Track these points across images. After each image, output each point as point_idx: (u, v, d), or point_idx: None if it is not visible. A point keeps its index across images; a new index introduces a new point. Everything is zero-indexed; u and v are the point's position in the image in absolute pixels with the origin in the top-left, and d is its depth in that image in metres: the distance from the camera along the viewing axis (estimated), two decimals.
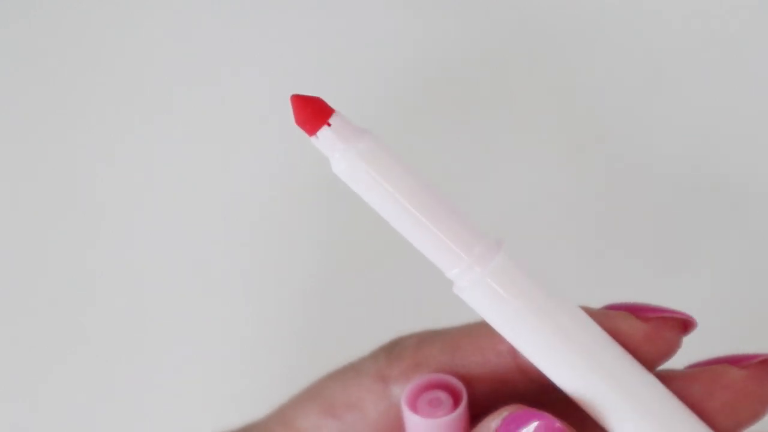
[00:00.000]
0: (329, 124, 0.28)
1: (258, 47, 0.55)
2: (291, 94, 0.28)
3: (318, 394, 0.33)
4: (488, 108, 0.54)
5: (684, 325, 0.31)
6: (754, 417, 0.31)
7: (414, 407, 0.32)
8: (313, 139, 0.28)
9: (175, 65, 0.54)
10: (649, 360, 0.30)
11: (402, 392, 0.32)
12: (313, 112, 0.28)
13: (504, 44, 0.55)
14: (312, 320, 0.52)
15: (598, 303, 0.33)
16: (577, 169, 0.54)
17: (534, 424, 0.29)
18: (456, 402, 0.32)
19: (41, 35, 0.54)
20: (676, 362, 0.32)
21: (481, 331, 0.32)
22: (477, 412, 0.32)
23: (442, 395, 0.33)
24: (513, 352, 0.31)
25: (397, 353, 0.33)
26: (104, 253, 0.52)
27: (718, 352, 0.33)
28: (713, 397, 0.30)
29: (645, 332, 0.30)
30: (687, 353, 0.32)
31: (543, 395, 0.31)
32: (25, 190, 0.53)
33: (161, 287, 0.52)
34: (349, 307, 0.52)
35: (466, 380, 0.32)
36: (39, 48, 0.54)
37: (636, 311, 0.31)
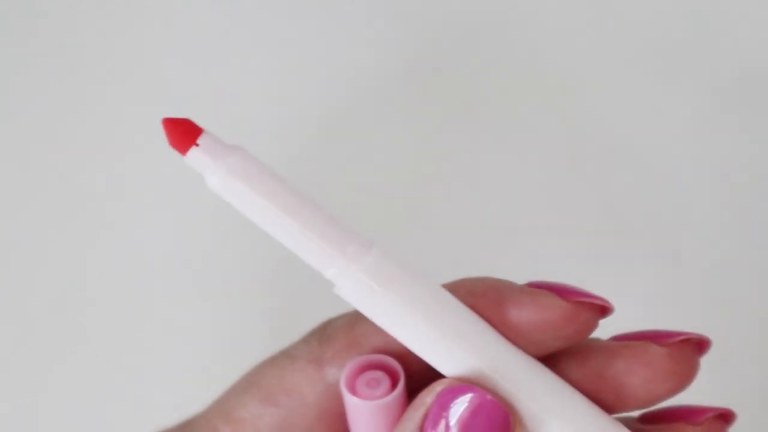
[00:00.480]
0: (197, 144, 0.30)
1: (257, 45, 0.55)
2: (162, 117, 0.30)
3: (254, 383, 0.34)
4: (482, 105, 0.53)
5: (602, 309, 0.31)
6: (671, 393, 0.31)
7: (353, 389, 0.33)
8: (185, 158, 0.30)
9: (175, 65, 0.55)
10: (564, 338, 0.31)
11: (339, 373, 0.33)
12: (182, 133, 0.30)
13: (497, 43, 0.53)
14: (312, 321, 0.52)
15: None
16: (573, 166, 0.53)
17: (467, 397, 0.30)
18: (394, 381, 0.33)
19: (41, 35, 0.55)
20: None
21: None
22: (414, 387, 0.33)
23: (380, 375, 0.33)
24: None
25: (328, 335, 0.33)
26: (104, 254, 0.53)
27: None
28: (633, 373, 0.31)
29: (565, 311, 0.31)
30: None
31: None
32: (24, 190, 0.54)
33: (161, 288, 0.53)
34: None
35: (401, 357, 0.33)
36: (39, 48, 0.55)
37: (558, 291, 0.31)
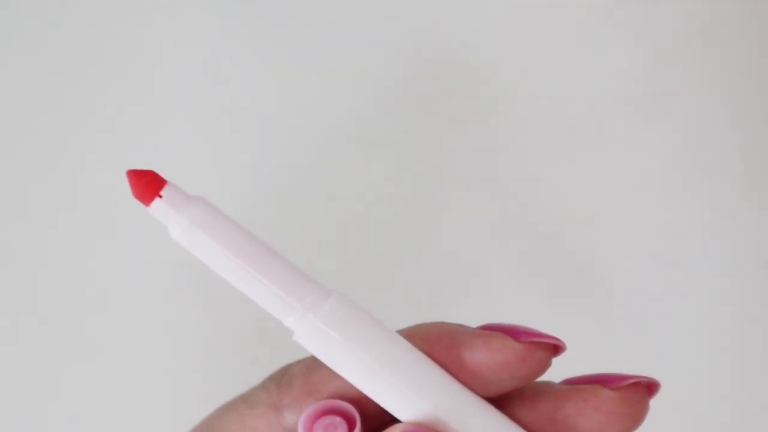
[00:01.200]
0: (161, 196, 0.30)
1: (257, 47, 0.55)
2: (126, 169, 0.30)
3: (215, 428, 0.34)
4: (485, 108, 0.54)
5: (555, 348, 0.32)
6: None
7: None
8: (148, 209, 0.30)
9: (177, 65, 0.55)
10: (519, 378, 0.32)
11: (297, 419, 0.34)
12: (146, 185, 0.30)
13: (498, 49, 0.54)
14: None
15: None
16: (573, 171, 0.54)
17: None
18: (350, 426, 0.34)
19: (42, 35, 0.55)
20: None
21: None
22: (370, 430, 0.34)
23: (337, 420, 0.34)
24: None
25: (286, 381, 0.34)
26: (104, 254, 0.53)
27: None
28: (585, 416, 0.32)
29: (519, 353, 0.32)
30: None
31: None
32: (24, 190, 0.54)
33: (161, 288, 0.53)
34: None
35: (358, 402, 0.33)
36: (40, 48, 0.55)
37: (510, 333, 0.32)
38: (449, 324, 0.32)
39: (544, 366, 0.32)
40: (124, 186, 0.52)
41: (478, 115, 0.54)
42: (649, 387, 0.33)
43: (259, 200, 0.54)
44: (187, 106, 0.55)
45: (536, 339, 0.32)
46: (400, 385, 0.31)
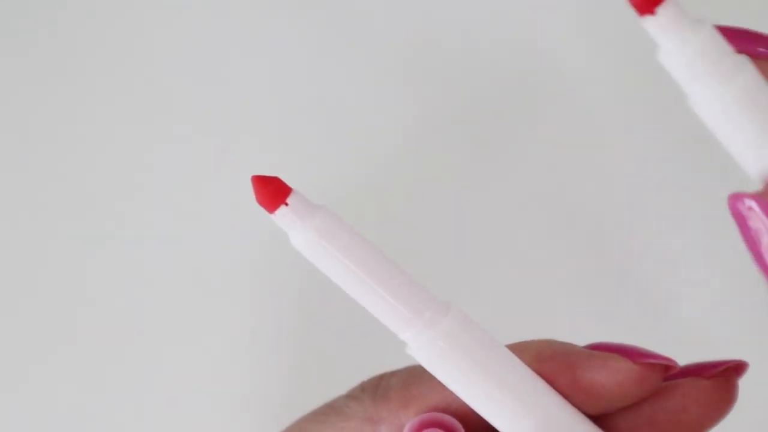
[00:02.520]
0: (287, 204, 0.30)
1: (260, 46, 0.55)
2: (251, 175, 0.31)
3: None
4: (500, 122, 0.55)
5: (666, 368, 0.33)
6: (718, 421, 0.33)
7: None
8: (273, 216, 0.31)
9: (177, 65, 0.55)
10: (630, 398, 0.33)
11: (393, 431, 0.34)
12: (272, 192, 0.30)
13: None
14: (311, 321, 0.53)
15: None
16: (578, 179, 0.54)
17: None
18: None
19: (42, 35, 0.55)
20: None
21: None
22: None
23: None
24: None
25: (382, 393, 0.34)
26: (104, 255, 0.53)
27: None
28: (686, 412, 0.33)
29: (636, 374, 0.32)
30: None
31: None
32: (23, 191, 0.54)
33: (161, 289, 0.53)
34: (347, 308, 0.53)
35: (458, 417, 0.34)
36: (40, 48, 0.55)
37: (627, 354, 0.33)
38: (560, 342, 0.33)
39: (655, 387, 0.33)
40: (125, 186, 0.52)
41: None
42: (738, 369, 0.33)
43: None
44: (188, 107, 0.55)
45: (652, 360, 0.32)
46: (512, 403, 0.31)
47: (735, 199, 0.29)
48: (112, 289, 0.53)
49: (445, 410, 0.33)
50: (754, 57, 0.29)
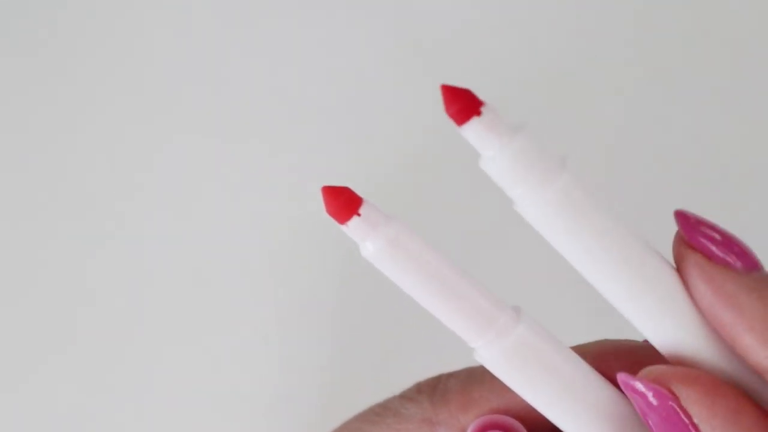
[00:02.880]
0: (359, 214, 0.30)
1: (265, 48, 0.55)
2: (322, 186, 0.30)
3: None
4: None
5: None
6: None
7: None
8: (344, 227, 0.30)
9: (179, 65, 0.55)
10: None
11: None
12: (344, 203, 0.30)
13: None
14: (310, 321, 0.53)
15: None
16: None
17: None
18: None
19: (43, 35, 0.55)
20: None
21: None
22: None
23: None
24: None
25: (440, 395, 0.34)
26: (104, 255, 0.53)
27: None
28: None
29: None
30: None
31: None
32: (23, 191, 0.54)
33: (160, 290, 0.53)
34: (346, 308, 0.53)
35: (520, 419, 0.34)
36: (40, 48, 0.54)
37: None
38: (619, 341, 0.33)
39: None
40: (124, 187, 0.52)
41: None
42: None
43: (259, 202, 0.54)
44: (188, 107, 0.55)
45: None
46: (584, 411, 0.31)
47: (625, 380, 0.30)
48: (112, 289, 0.53)
49: (505, 413, 0.34)
50: (709, 257, 0.29)
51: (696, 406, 0.28)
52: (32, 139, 0.54)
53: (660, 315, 0.30)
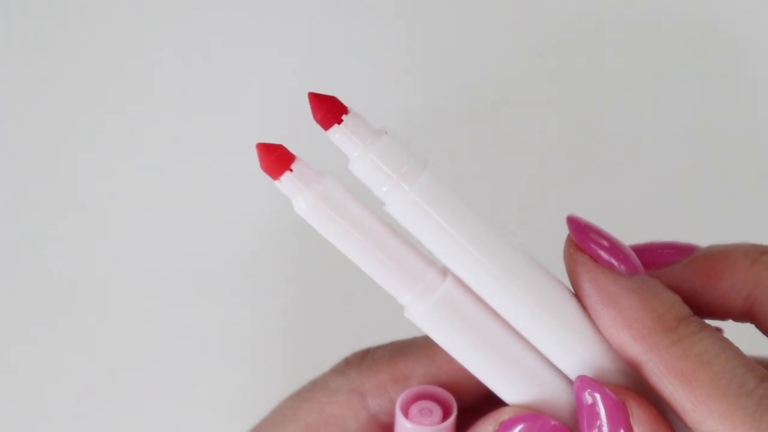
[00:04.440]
0: (291, 170, 0.31)
1: (260, 41, 0.55)
2: (256, 142, 0.31)
3: (294, 417, 0.35)
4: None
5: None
6: None
7: (406, 416, 0.34)
8: (276, 182, 0.31)
9: (178, 64, 0.55)
10: None
11: (381, 404, 0.35)
12: (276, 159, 0.31)
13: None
14: (309, 321, 0.53)
15: None
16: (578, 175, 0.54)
17: (532, 424, 0.31)
18: (445, 412, 0.35)
19: (44, 35, 0.55)
20: None
21: None
22: (461, 420, 0.34)
23: (432, 405, 0.35)
24: None
25: (368, 366, 0.35)
26: (104, 256, 0.53)
27: None
28: None
29: None
30: None
31: None
32: (23, 191, 0.54)
33: (160, 290, 0.53)
34: (346, 306, 0.53)
35: (448, 388, 0.34)
36: (41, 48, 0.55)
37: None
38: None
39: None
40: (123, 187, 0.53)
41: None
42: None
43: (258, 202, 0.54)
44: (189, 108, 0.55)
45: None
46: (511, 369, 0.31)
47: (581, 383, 0.31)
48: (112, 290, 0.53)
49: (433, 380, 0.34)
50: (595, 260, 0.31)
51: (642, 426, 0.30)
52: (31, 140, 0.54)
53: (516, 302, 0.31)
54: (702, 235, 0.53)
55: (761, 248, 0.33)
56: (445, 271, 0.32)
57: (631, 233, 0.52)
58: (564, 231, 0.33)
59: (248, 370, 0.53)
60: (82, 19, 0.55)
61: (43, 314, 0.53)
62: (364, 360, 0.35)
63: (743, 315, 0.33)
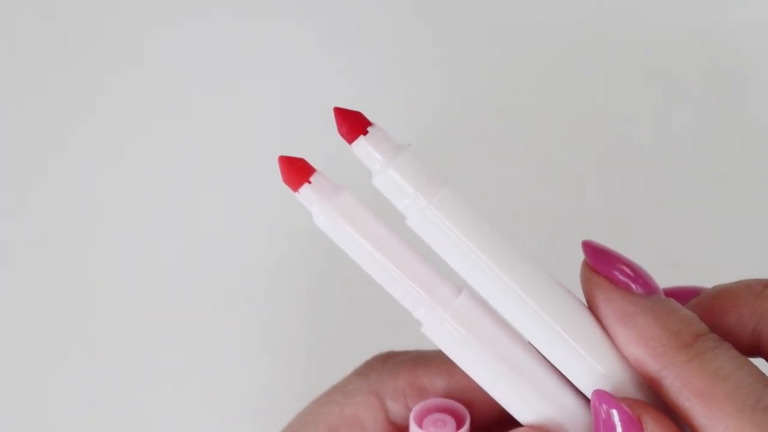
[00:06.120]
0: (310, 182, 0.32)
1: (266, 47, 0.55)
2: (278, 155, 0.32)
3: (317, 422, 0.35)
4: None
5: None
6: None
7: (420, 426, 0.35)
8: (296, 194, 0.32)
9: (185, 68, 0.55)
10: None
11: (399, 408, 0.35)
12: (296, 171, 0.32)
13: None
14: (309, 321, 0.53)
15: None
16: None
17: None
18: (459, 425, 0.35)
19: (44, 35, 0.55)
20: None
21: None
22: None
23: (447, 418, 0.35)
24: None
25: (389, 370, 0.35)
26: (104, 256, 0.53)
27: None
28: None
29: None
30: None
31: None
32: (26, 191, 0.54)
33: (159, 290, 0.53)
34: (346, 307, 0.52)
35: (464, 403, 0.35)
36: (41, 48, 0.55)
37: None
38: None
39: None
40: (124, 187, 0.53)
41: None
42: None
43: (259, 203, 0.54)
44: (188, 108, 0.55)
45: None
46: (525, 387, 0.32)
47: (598, 397, 0.31)
48: (111, 289, 0.53)
49: (451, 396, 0.34)
50: (611, 281, 0.32)
51: None
52: (28, 140, 0.54)
53: (533, 317, 0.31)
54: (704, 238, 0.53)
55: (764, 282, 0.33)
56: (460, 287, 0.32)
57: (646, 238, 0.53)
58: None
59: (265, 375, 0.52)
60: (80, 19, 0.55)
61: (42, 314, 0.53)
62: (385, 363, 0.36)
63: (752, 350, 0.33)
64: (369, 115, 0.32)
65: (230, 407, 0.52)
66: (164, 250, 0.53)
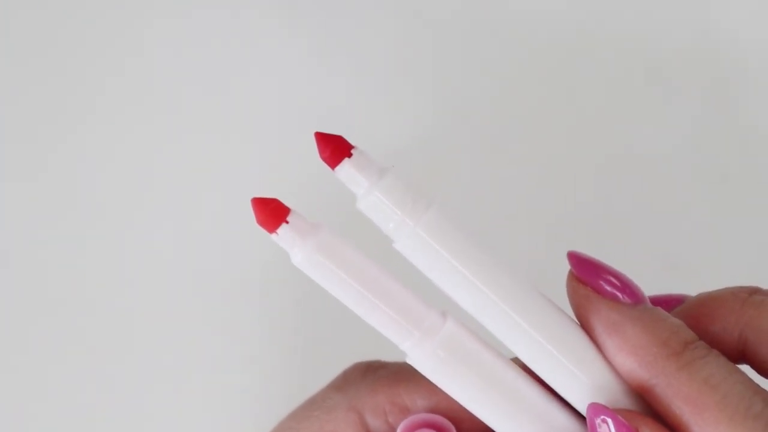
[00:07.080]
0: (287, 222, 0.31)
1: (264, 50, 0.55)
2: (252, 197, 0.31)
3: None
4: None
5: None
6: None
7: None
8: (273, 236, 0.31)
9: (177, 67, 0.55)
10: None
11: (379, 425, 0.35)
12: (271, 213, 0.31)
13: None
14: (308, 321, 0.53)
15: None
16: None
17: None
18: None
19: (44, 36, 0.54)
20: None
21: None
22: None
23: None
24: None
25: (369, 385, 0.35)
26: (104, 256, 0.53)
27: None
28: None
29: None
30: None
31: None
32: (26, 191, 0.54)
33: (159, 290, 0.53)
34: (345, 307, 0.53)
35: (448, 419, 0.35)
36: (41, 48, 0.54)
37: None
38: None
39: None
40: (123, 187, 0.52)
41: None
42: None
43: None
44: (188, 108, 0.55)
45: None
46: (515, 413, 0.32)
47: (594, 410, 0.31)
48: (111, 290, 0.53)
49: (432, 411, 0.35)
50: (598, 292, 0.32)
51: None
52: (27, 140, 0.54)
53: (523, 335, 0.32)
54: (702, 240, 0.54)
55: (749, 289, 0.33)
56: (444, 314, 0.32)
57: (640, 241, 0.53)
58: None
59: (264, 375, 0.53)
60: (80, 20, 0.55)
61: (42, 315, 0.53)
62: (365, 377, 0.36)
63: (737, 356, 0.33)
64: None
65: (229, 407, 0.52)
66: (164, 250, 0.53)
